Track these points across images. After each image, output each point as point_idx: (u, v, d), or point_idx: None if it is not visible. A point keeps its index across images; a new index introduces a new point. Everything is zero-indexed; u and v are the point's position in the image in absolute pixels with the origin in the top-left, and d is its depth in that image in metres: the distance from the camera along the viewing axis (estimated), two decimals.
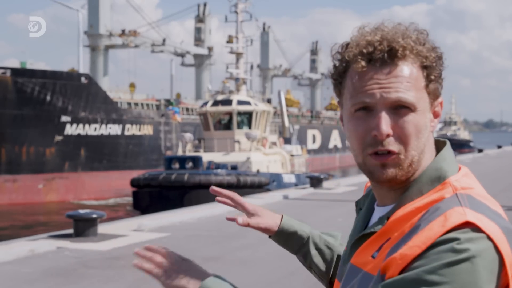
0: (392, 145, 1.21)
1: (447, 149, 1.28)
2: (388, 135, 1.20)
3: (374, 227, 1.24)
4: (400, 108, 1.20)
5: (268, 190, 22.18)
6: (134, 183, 24.73)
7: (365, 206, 1.39)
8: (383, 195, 1.29)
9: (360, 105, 1.22)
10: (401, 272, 1.11)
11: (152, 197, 23.52)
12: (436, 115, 1.27)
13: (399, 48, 1.21)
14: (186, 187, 23.27)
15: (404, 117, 1.20)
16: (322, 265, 1.66)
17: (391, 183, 1.23)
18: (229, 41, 31.51)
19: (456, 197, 1.17)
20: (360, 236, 1.27)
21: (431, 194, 1.19)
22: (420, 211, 1.17)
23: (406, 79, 1.21)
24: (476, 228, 1.10)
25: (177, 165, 24.56)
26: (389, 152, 1.21)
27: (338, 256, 1.65)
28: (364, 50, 1.21)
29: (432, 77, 1.23)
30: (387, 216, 1.22)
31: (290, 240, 1.70)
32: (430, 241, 1.10)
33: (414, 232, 1.13)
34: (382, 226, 1.22)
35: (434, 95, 1.25)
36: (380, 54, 1.20)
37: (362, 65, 1.21)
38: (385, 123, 1.19)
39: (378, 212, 1.31)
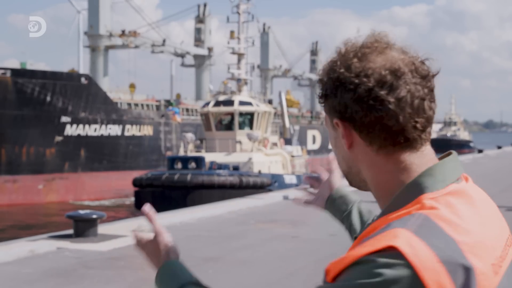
0: None
1: (442, 163, 1.25)
2: None
3: (359, 233, 1.31)
4: None
5: (270, 190, 22.21)
6: (136, 182, 24.74)
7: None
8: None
9: None
10: (334, 279, 1.15)
11: (155, 197, 23.55)
12: (342, 136, 1.29)
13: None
14: (189, 187, 23.33)
15: None
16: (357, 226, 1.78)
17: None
18: (231, 36, 31.49)
19: (412, 217, 1.16)
20: (354, 238, 1.34)
21: (403, 210, 1.19)
22: (386, 223, 1.18)
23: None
24: (399, 254, 1.09)
25: (179, 165, 24.66)
26: None
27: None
28: None
29: (321, 102, 1.31)
30: (369, 224, 1.27)
31: (338, 203, 1.91)
32: (356, 257, 1.11)
33: (359, 245, 1.16)
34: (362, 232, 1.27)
35: (330, 118, 1.31)
36: None
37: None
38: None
39: None
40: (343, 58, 1.26)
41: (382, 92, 1.20)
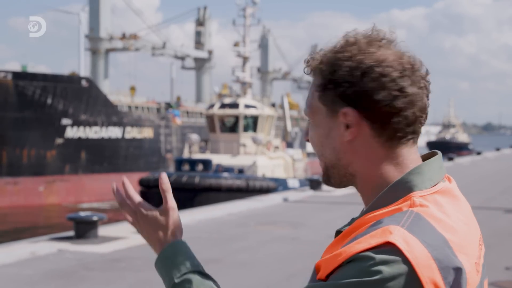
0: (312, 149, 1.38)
1: (429, 162, 1.26)
2: (307, 141, 1.36)
3: (344, 227, 1.28)
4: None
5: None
6: (143, 183, 24.78)
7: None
8: (361, 198, 1.32)
9: None
10: (327, 276, 1.14)
11: (162, 198, 23.66)
12: (347, 126, 1.25)
13: (307, 66, 1.32)
14: (197, 190, 23.47)
15: (309, 128, 1.33)
16: None
17: (326, 185, 1.35)
18: (236, 45, 31.61)
19: (404, 214, 1.16)
20: (336, 232, 1.30)
21: (392, 206, 1.20)
22: (375, 220, 1.18)
23: (309, 93, 1.32)
24: (396, 250, 1.09)
25: (187, 167, 24.82)
26: None
27: None
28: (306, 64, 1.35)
29: (325, 91, 1.26)
30: (355, 219, 1.25)
31: None
32: (351, 254, 1.11)
33: (351, 241, 1.15)
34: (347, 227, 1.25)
35: (331, 108, 1.26)
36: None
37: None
38: (305, 131, 1.37)
39: None
40: (357, 47, 1.23)
41: (405, 84, 1.21)
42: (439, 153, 1.31)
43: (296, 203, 16.56)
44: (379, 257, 1.09)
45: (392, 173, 1.25)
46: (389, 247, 1.10)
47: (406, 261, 1.09)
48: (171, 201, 1.42)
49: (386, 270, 1.08)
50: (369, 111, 1.22)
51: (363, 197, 1.30)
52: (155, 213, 1.40)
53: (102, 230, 10.92)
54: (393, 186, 1.23)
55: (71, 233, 10.57)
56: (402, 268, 1.08)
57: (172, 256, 1.36)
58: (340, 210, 14.39)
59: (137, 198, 1.42)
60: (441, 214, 1.18)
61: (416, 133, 1.25)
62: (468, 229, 1.22)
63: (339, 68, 1.23)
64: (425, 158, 1.31)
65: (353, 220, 1.26)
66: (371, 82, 1.21)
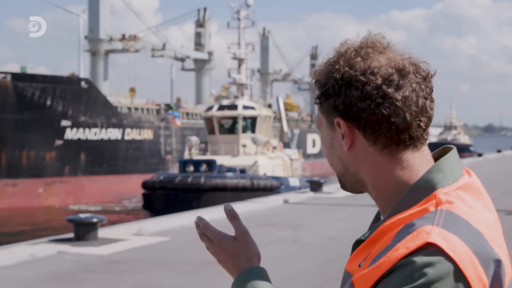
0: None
1: (446, 158, 1.25)
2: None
3: (365, 235, 1.25)
4: None
5: (278, 193, 22.70)
6: (148, 185, 24.91)
7: (376, 213, 1.39)
8: (376, 205, 1.31)
9: None
10: None
11: (168, 199, 23.84)
12: (343, 135, 1.27)
13: (313, 80, 1.32)
14: (203, 190, 23.70)
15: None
16: None
17: (346, 191, 1.35)
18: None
19: (434, 213, 1.15)
20: (355, 242, 1.27)
21: (416, 207, 1.18)
22: (402, 222, 1.16)
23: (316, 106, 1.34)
24: (438, 250, 1.08)
25: (191, 168, 24.98)
26: None
27: None
28: None
29: (321, 103, 1.29)
30: (377, 226, 1.23)
31: None
32: (392, 263, 1.09)
33: (387, 250, 1.13)
34: (370, 235, 1.23)
35: (328, 119, 1.29)
36: None
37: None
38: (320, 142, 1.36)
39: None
40: (345, 58, 1.25)
41: (390, 90, 1.20)
42: (454, 147, 1.29)
43: (297, 205, 16.53)
44: (422, 260, 1.07)
45: (402, 177, 1.23)
46: (429, 248, 1.08)
47: (449, 259, 1.07)
48: (241, 227, 1.45)
49: (431, 272, 1.06)
50: (357, 120, 1.23)
51: (378, 203, 1.29)
52: (229, 240, 1.43)
53: (102, 232, 10.89)
54: (414, 187, 1.21)
55: (70, 235, 10.55)
56: (447, 267, 1.07)
57: (248, 280, 1.35)
58: (341, 212, 14.37)
59: (213, 229, 1.48)
60: (469, 209, 1.17)
61: (414, 139, 1.23)
62: (495, 221, 1.22)
63: (329, 80, 1.25)
64: (438, 154, 1.29)
65: (374, 227, 1.24)
66: (355, 91, 1.22)
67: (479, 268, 1.09)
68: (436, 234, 1.10)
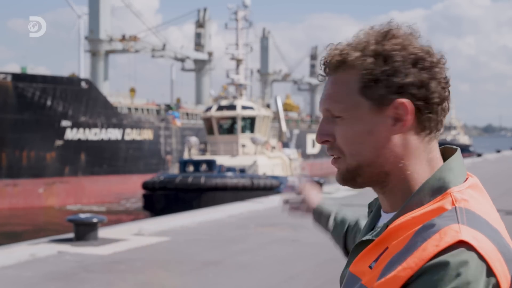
0: (330, 150, 1.25)
1: (455, 158, 1.23)
2: (324, 142, 1.25)
3: (373, 235, 1.21)
4: (335, 117, 1.23)
5: (278, 192, 22.77)
6: (148, 186, 24.95)
7: (374, 209, 1.36)
8: (381, 200, 1.28)
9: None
10: None
11: (168, 199, 23.90)
12: (397, 119, 1.20)
13: (339, 59, 1.22)
14: (203, 190, 23.78)
15: (337, 125, 1.23)
16: (337, 238, 1.94)
17: (343, 185, 1.27)
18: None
19: (454, 211, 1.13)
20: (360, 242, 1.23)
21: (430, 205, 1.16)
22: (417, 221, 1.13)
23: (338, 88, 1.23)
24: (469, 248, 1.06)
25: (191, 168, 25.06)
26: (334, 157, 1.25)
27: (350, 226, 1.89)
28: (322, 61, 1.26)
29: (372, 83, 1.20)
30: (387, 225, 1.19)
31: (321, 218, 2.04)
32: (423, 262, 1.06)
33: (410, 250, 1.09)
34: (381, 234, 1.18)
35: (379, 101, 1.20)
36: (328, 65, 1.25)
37: (319, 74, 1.28)
38: (320, 130, 1.26)
39: (383, 218, 1.27)
40: (402, 38, 1.20)
41: (446, 74, 1.20)
42: (458, 148, 1.28)
43: None
44: (455, 259, 1.04)
45: (424, 170, 1.21)
46: (459, 247, 1.06)
47: (481, 258, 1.05)
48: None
49: (466, 271, 1.04)
50: (423, 102, 1.18)
51: (389, 197, 1.24)
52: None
53: (102, 232, 10.90)
54: (426, 185, 1.19)
55: (71, 235, 10.55)
56: (479, 266, 1.05)
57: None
58: None
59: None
60: (483, 207, 1.16)
61: (442, 128, 1.24)
62: (501, 221, 1.21)
63: (391, 58, 1.18)
64: (441, 153, 1.28)
65: (385, 225, 1.19)
66: (425, 72, 1.18)
67: (505, 266, 1.08)
68: (465, 232, 1.07)
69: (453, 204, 1.14)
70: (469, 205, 1.14)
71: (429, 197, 1.17)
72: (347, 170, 1.24)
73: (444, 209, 1.14)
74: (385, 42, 1.20)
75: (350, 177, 1.25)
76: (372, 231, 1.23)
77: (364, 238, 1.22)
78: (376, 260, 1.16)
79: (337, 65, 1.23)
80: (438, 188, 1.18)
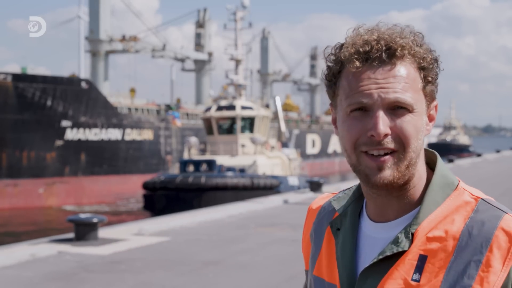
0: (391, 144, 1.16)
1: (442, 163, 1.25)
2: (386, 135, 1.16)
3: (398, 246, 1.15)
4: (397, 109, 1.16)
5: (278, 192, 22.85)
6: (149, 186, 24.99)
7: (345, 226, 1.28)
8: (383, 206, 1.22)
9: (356, 106, 1.17)
10: None
11: (169, 199, 23.95)
12: (431, 118, 1.22)
13: (398, 48, 1.17)
14: (204, 189, 23.87)
15: (402, 117, 1.16)
16: None
17: (388, 187, 1.17)
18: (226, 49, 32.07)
19: (485, 203, 1.16)
20: (381, 259, 1.16)
21: (450, 201, 1.16)
22: (451, 222, 1.14)
23: (404, 80, 1.16)
24: None
25: (191, 168, 25.13)
26: (386, 154, 1.16)
27: None
28: (361, 49, 1.17)
29: (429, 78, 1.20)
30: (411, 232, 1.15)
31: None
32: (510, 260, 1.10)
33: (475, 254, 1.11)
34: (410, 243, 1.15)
35: (430, 98, 1.21)
36: (378, 53, 1.16)
37: (357, 65, 1.17)
38: (383, 123, 1.15)
39: (379, 228, 1.23)
40: (415, 37, 1.22)
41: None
42: (434, 151, 1.30)
43: (296, 205, 16.54)
44: None
45: (424, 170, 1.24)
46: None
47: None
48: None
49: None
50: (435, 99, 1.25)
51: (399, 201, 1.21)
52: None
53: (102, 232, 10.91)
54: (435, 184, 1.20)
55: (71, 235, 10.56)
56: None
57: None
58: None
59: None
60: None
61: None
62: None
63: (437, 61, 1.24)
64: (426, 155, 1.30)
65: (407, 233, 1.16)
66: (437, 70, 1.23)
67: None
68: None
69: (471, 197, 1.17)
70: (483, 195, 1.19)
71: (442, 195, 1.18)
72: (408, 166, 1.18)
73: (470, 203, 1.16)
74: (410, 35, 1.21)
75: (408, 174, 1.19)
76: (390, 244, 1.16)
77: (387, 253, 1.16)
78: (418, 272, 1.13)
79: (393, 52, 1.18)
80: (446, 185, 1.20)
